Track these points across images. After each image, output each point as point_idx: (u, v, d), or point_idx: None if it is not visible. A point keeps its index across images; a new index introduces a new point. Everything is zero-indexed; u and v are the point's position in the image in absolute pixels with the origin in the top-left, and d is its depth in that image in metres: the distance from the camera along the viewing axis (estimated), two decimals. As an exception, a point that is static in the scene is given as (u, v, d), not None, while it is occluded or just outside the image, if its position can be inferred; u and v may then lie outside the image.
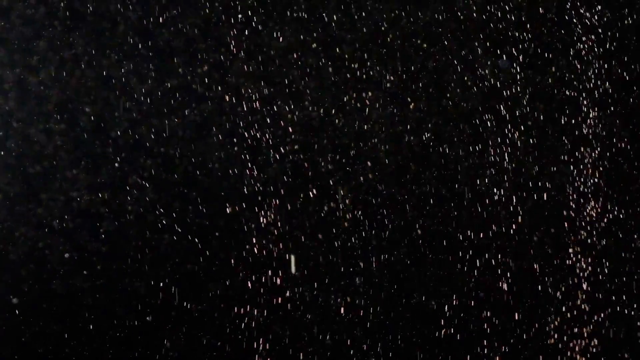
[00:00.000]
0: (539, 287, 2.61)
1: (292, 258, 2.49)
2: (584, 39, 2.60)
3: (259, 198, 2.47)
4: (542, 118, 2.60)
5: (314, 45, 2.49)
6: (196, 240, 2.46)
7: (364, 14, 2.51)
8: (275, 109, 2.47)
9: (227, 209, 2.46)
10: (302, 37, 2.48)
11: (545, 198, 2.61)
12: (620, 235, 2.64)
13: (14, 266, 2.37)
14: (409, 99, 2.54)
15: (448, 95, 2.56)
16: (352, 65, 2.51)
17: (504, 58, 2.57)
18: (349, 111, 2.51)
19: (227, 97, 2.45)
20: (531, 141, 2.59)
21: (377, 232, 2.53)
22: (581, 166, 2.61)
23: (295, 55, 2.48)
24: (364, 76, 2.52)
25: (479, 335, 2.58)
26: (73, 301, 2.40)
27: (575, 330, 2.62)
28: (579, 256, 2.62)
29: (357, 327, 2.54)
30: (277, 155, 2.47)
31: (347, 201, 2.51)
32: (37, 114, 2.37)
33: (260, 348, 2.48)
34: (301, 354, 2.50)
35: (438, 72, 2.55)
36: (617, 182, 2.63)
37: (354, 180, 2.52)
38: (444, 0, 2.55)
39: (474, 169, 2.57)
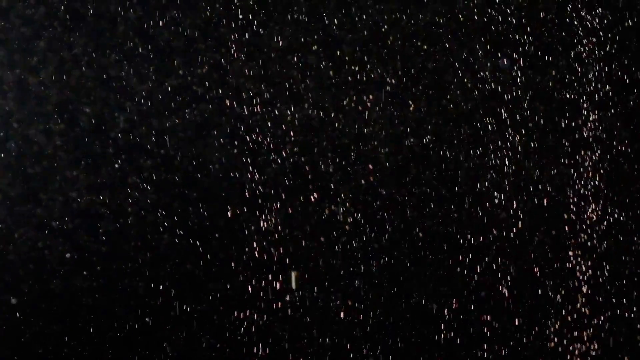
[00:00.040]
0: (539, 290, 2.62)
1: (293, 274, 2.49)
2: (584, 41, 2.61)
3: (260, 201, 2.47)
4: (542, 120, 2.61)
5: (315, 46, 2.50)
6: (197, 243, 2.46)
7: (364, 14, 2.52)
8: (276, 110, 2.47)
9: (228, 212, 2.46)
10: (302, 37, 2.49)
11: (545, 200, 2.61)
12: (621, 238, 2.65)
13: (13, 266, 2.37)
14: (409, 101, 2.55)
15: (448, 97, 2.57)
16: (353, 66, 2.52)
17: (505, 59, 2.58)
18: (349, 112, 2.52)
19: (227, 98, 2.45)
20: (531, 143, 2.60)
21: (378, 235, 2.54)
22: (581, 169, 2.62)
23: (295, 56, 2.49)
24: (364, 77, 2.53)
25: (478, 338, 2.59)
26: (72, 301, 2.40)
27: (575, 333, 2.63)
28: (579, 259, 2.63)
29: (357, 331, 2.54)
30: (277, 158, 2.48)
31: (347, 204, 2.52)
32: (37, 114, 2.37)
33: (260, 352, 2.48)
34: (301, 358, 2.50)
35: (439, 73, 2.56)
36: (618, 185, 2.64)
37: (355, 183, 2.53)
38: (444, 2, 2.56)
39: (474, 171, 2.58)
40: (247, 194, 2.47)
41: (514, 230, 2.60)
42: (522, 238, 2.61)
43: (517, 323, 2.60)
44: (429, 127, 2.56)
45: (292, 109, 2.48)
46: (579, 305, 2.63)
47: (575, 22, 2.60)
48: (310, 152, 2.50)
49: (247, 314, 2.48)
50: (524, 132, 2.60)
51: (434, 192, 2.57)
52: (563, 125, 2.62)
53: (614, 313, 2.65)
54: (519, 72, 2.59)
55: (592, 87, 2.62)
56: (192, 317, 2.47)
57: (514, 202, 2.60)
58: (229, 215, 2.47)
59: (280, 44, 2.48)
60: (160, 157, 2.43)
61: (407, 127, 2.55)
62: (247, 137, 2.46)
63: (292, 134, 2.48)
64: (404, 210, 2.55)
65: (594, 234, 2.63)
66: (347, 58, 2.51)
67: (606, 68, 2.63)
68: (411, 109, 2.54)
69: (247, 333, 2.48)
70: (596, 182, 2.63)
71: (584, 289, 2.63)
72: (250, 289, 2.48)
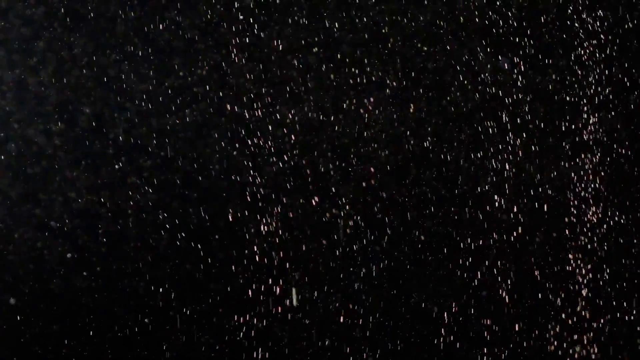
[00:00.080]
0: (539, 293, 2.62)
1: (294, 291, 2.49)
2: (585, 44, 2.62)
3: (260, 204, 2.48)
4: (542, 122, 2.61)
5: (315, 47, 2.50)
6: (198, 245, 2.46)
7: (364, 16, 2.52)
8: (276, 112, 2.48)
9: (229, 215, 2.46)
10: (302, 38, 2.50)
11: (545, 203, 2.62)
12: (621, 241, 2.65)
13: (13, 266, 2.37)
14: (410, 102, 2.55)
15: (448, 98, 2.58)
16: (353, 68, 2.52)
17: (505, 61, 2.59)
18: (350, 113, 2.52)
19: (227, 99, 2.46)
20: (532, 146, 2.61)
21: (378, 237, 2.54)
22: (582, 171, 2.63)
23: (295, 57, 2.49)
24: (365, 79, 2.53)
25: (478, 341, 2.59)
26: (72, 302, 2.40)
27: (576, 336, 2.63)
28: (579, 262, 2.63)
29: (357, 334, 2.54)
30: (278, 160, 2.48)
31: (347, 206, 2.52)
32: (36, 115, 2.38)
33: (260, 356, 2.48)
34: (300, 361, 2.51)
35: (439, 74, 2.57)
36: (618, 188, 2.65)
37: (355, 185, 2.53)
38: (444, 3, 2.57)
39: (475, 173, 2.59)
40: (248, 197, 2.47)
41: (514, 233, 2.61)
42: (522, 240, 2.61)
43: (517, 326, 2.60)
44: (429, 128, 2.57)
45: (292, 110, 2.49)
46: (579, 309, 2.63)
47: (576, 24, 2.61)
48: (310, 154, 2.51)
49: (247, 317, 2.48)
50: (524, 134, 2.60)
51: (434, 196, 2.58)
52: (563, 128, 2.63)
53: (614, 316, 2.65)
54: (519, 74, 2.60)
55: (592, 90, 2.63)
56: (191, 320, 2.47)
57: (514, 204, 2.61)
58: (230, 218, 2.47)
59: (281, 45, 2.49)
60: (160, 158, 2.43)
61: (408, 128, 2.55)
62: (248, 139, 2.47)
63: (292, 135, 2.49)
64: (404, 213, 2.56)
65: (594, 237, 2.64)
66: (347, 60, 2.52)
67: (606, 71, 2.64)
68: (411, 110, 2.55)
69: (246, 336, 2.48)
70: (596, 185, 2.64)
71: (584, 292, 2.63)
72: (250, 292, 2.48)
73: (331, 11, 2.51)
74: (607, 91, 2.64)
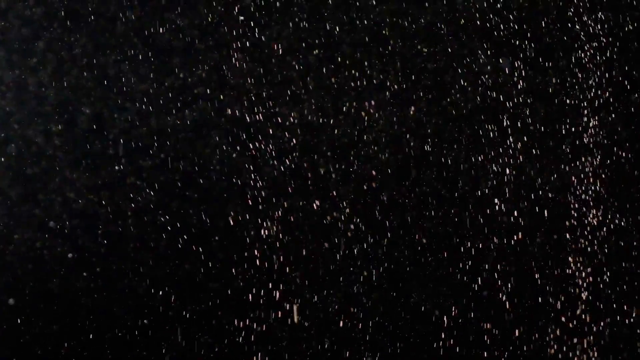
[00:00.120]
0: (539, 296, 2.62)
1: (295, 308, 2.49)
2: (586, 46, 2.63)
3: (260, 207, 2.48)
4: (543, 125, 2.62)
5: (315, 48, 2.51)
6: (200, 249, 2.46)
7: (364, 16, 2.53)
8: (276, 113, 2.48)
9: (230, 218, 2.46)
10: (302, 39, 2.50)
11: (545, 206, 2.62)
12: (622, 244, 2.66)
13: (12, 267, 2.37)
14: (411, 105, 2.56)
15: (449, 100, 2.58)
16: (353, 69, 2.52)
17: (505, 64, 2.59)
18: (350, 115, 2.52)
19: (227, 99, 2.46)
20: (532, 149, 2.61)
21: (379, 241, 2.54)
22: (582, 174, 2.64)
23: (295, 58, 2.50)
24: (365, 80, 2.54)
25: (478, 345, 2.59)
26: (71, 302, 2.40)
27: (575, 340, 2.63)
28: (579, 265, 2.64)
29: (357, 338, 2.54)
30: (278, 163, 2.48)
31: (348, 210, 2.52)
32: (36, 115, 2.37)
33: (259, 360, 2.49)
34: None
35: (440, 76, 2.57)
36: (619, 191, 2.65)
37: (356, 188, 2.53)
38: (445, 5, 2.57)
39: (475, 177, 2.59)
40: (248, 200, 2.47)
41: (514, 236, 2.61)
42: (522, 243, 2.62)
43: (516, 330, 2.61)
44: (430, 129, 2.57)
45: (293, 111, 2.49)
46: (579, 312, 2.64)
47: (577, 27, 2.62)
48: (311, 156, 2.51)
49: (247, 321, 2.48)
50: (524, 136, 2.61)
51: (434, 199, 2.58)
52: (564, 130, 2.63)
53: (614, 320, 2.65)
54: (519, 76, 2.60)
55: (593, 92, 2.64)
56: (191, 322, 2.46)
57: (515, 207, 2.61)
58: (231, 221, 2.47)
59: (281, 46, 2.49)
60: (159, 159, 2.43)
61: (408, 129, 2.56)
62: (247, 140, 2.47)
63: (292, 136, 2.49)
64: (405, 216, 2.56)
65: (594, 240, 2.64)
66: (347, 61, 2.52)
67: (607, 74, 2.64)
68: (412, 112, 2.55)
69: (246, 340, 2.48)
70: (597, 188, 2.64)
71: (585, 296, 2.64)
72: (250, 296, 2.48)
73: (331, 12, 2.51)
74: (608, 94, 2.65)
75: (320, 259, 2.51)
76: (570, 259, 2.64)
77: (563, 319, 2.63)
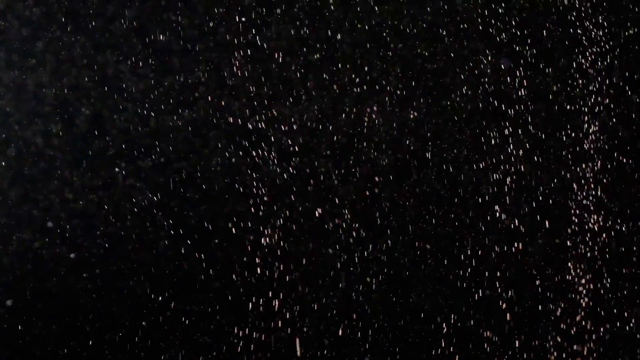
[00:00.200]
0: (539, 303, 2.63)
1: (297, 341, 2.49)
2: (587, 52, 2.65)
3: (261, 214, 2.48)
4: (543, 131, 2.63)
5: (315, 49, 2.51)
6: (202, 255, 2.46)
7: (365, 16, 2.54)
8: (276, 112, 2.48)
9: (230, 224, 2.46)
10: (302, 39, 2.50)
11: (546, 212, 2.64)
12: (622, 250, 2.67)
13: (10, 267, 2.35)
14: (410, 107, 2.57)
15: (449, 104, 2.59)
16: (353, 70, 2.53)
17: (506, 67, 2.61)
18: (350, 116, 2.53)
19: (226, 100, 2.46)
20: (533, 155, 2.63)
21: (380, 249, 2.55)
22: (582, 180, 2.65)
23: (295, 58, 2.50)
24: (365, 80, 2.54)
25: (478, 353, 2.60)
26: (70, 303, 2.39)
27: (575, 347, 2.64)
28: (580, 271, 2.65)
29: (357, 347, 2.54)
30: (279, 165, 2.49)
31: (348, 216, 2.53)
32: (35, 115, 2.36)
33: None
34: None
35: (440, 78, 2.59)
36: (619, 196, 2.67)
37: (357, 193, 2.54)
38: (445, 6, 2.59)
39: (476, 184, 2.60)
40: (249, 201, 2.47)
41: (515, 242, 2.62)
42: (522, 249, 2.63)
43: (516, 336, 2.61)
44: (430, 133, 2.58)
45: (293, 113, 2.49)
46: (579, 318, 2.65)
47: (579, 31, 2.64)
48: (311, 160, 2.51)
49: (247, 331, 2.47)
50: (524, 142, 2.62)
51: (436, 206, 2.59)
52: (564, 136, 2.65)
53: (614, 326, 2.67)
54: (520, 81, 2.62)
55: (593, 98, 2.66)
56: (190, 331, 2.45)
57: (515, 213, 2.62)
58: (233, 229, 2.47)
59: (281, 46, 2.49)
60: (159, 160, 2.43)
61: (409, 132, 2.56)
62: (247, 140, 2.47)
63: (293, 139, 2.49)
64: (406, 223, 2.57)
65: (595, 246, 2.66)
66: (347, 64, 2.53)
67: (607, 80, 2.66)
68: (412, 116, 2.56)
69: (245, 349, 2.47)
70: (597, 193, 2.66)
71: (585, 302, 2.65)
72: (250, 305, 2.48)
73: (331, 12, 2.52)
74: (608, 99, 2.67)
75: (321, 265, 2.52)
76: (570, 264, 2.65)
77: (563, 326, 2.64)
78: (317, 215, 2.51)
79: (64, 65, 2.38)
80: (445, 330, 2.58)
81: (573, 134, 2.65)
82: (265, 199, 2.48)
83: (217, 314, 2.47)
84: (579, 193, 2.65)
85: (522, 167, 2.62)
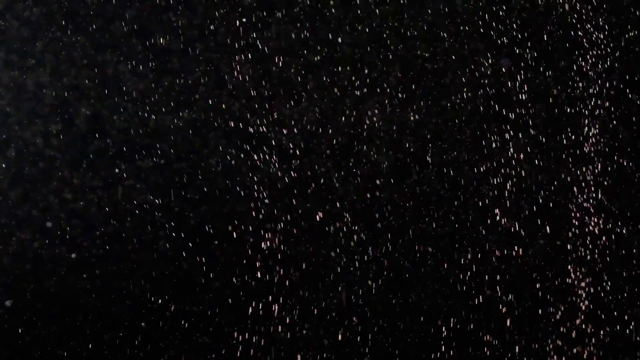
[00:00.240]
0: (539, 306, 2.64)
1: (299, 357, 2.50)
2: (587, 55, 2.66)
3: (262, 217, 2.48)
4: (544, 134, 2.64)
5: (315, 48, 2.52)
6: (202, 257, 2.46)
7: (365, 17, 2.54)
8: (275, 113, 2.49)
9: (230, 227, 2.46)
10: (302, 39, 2.51)
11: (546, 215, 2.64)
12: (622, 252, 2.68)
13: (10, 268, 2.35)
14: (412, 105, 2.57)
15: (449, 109, 2.60)
16: (353, 68, 2.54)
17: (506, 61, 2.62)
18: (350, 116, 2.54)
19: (226, 100, 2.46)
20: (533, 158, 2.64)
21: (380, 253, 2.55)
22: (583, 183, 2.66)
23: (295, 58, 2.51)
24: (365, 83, 2.55)
25: (478, 356, 2.60)
26: (70, 303, 2.39)
27: (575, 350, 2.65)
28: (579, 274, 2.65)
29: (357, 352, 2.54)
30: (279, 166, 2.49)
31: (350, 220, 2.53)
32: (34, 115, 2.36)
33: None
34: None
35: (440, 78, 2.59)
36: (619, 199, 2.68)
37: (358, 196, 2.54)
38: (446, 7, 2.59)
39: (476, 188, 2.61)
40: (250, 206, 2.48)
41: (515, 248, 2.62)
42: (522, 254, 2.63)
43: (517, 340, 2.62)
44: (430, 136, 2.58)
45: (293, 114, 2.50)
46: (579, 322, 2.65)
47: (580, 34, 2.65)
48: (312, 162, 2.51)
49: (246, 336, 2.47)
50: (525, 145, 2.63)
51: (437, 209, 2.59)
52: (565, 139, 2.66)
53: (614, 329, 2.67)
54: (521, 83, 2.63)
55: (594, 101, 2.67)
56: (190, 336, 2.46)
57: (515, 216, 2.63)
58: (232, 232, 2.47)
59: (281, 47, 2.50)
60: (158, 160, 2.43)
61: (409, 133, 2.57)
62: (247, 141, 2.48)
63: (293, 140, 2.50)
64: (407, 227, 2.57)
65: (595, 249, 2.66)
66: (348, 66, 2.54)
67: (607, 83, 2.67)
68: (412, 118, 2.57)
69: (245, 354, 2.47)
70: (598, 196, 2.66)
71: (585, 305, 2.65)
72: (250, 312, 2.48)
73: (331, 12, 2.53)
74: (609, 102, 2.68)
75: (321, 266, 2.52)
76: (570, 267, 2.65)
77: (563, 329, 2.65)
78: (317, 217, 2.51)
79: (64, 65, 2.39)
80: (445, 333, 2.58)
81: (573, 137, 2.66)
82: (266, 200, 2.48)
83: (217, 316, 2.47)
84: (579, 195, 2.66)
85: (522, 169, 2.63)
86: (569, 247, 2.65)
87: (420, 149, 2.58)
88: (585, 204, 2.66)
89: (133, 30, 2.43)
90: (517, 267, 2.63)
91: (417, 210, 2.58)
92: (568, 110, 2.66)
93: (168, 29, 2.45)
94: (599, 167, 2.67)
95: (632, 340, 2.68)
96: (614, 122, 2.68)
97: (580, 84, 2.66)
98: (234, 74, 2.47)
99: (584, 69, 2.66)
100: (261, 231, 2.48)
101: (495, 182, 2.61)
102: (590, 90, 2.67)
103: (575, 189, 2.66)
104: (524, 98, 2.63)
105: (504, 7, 2.62)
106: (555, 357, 2.64)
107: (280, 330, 2.48)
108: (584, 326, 2.66)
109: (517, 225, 2.63)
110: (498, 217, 2.61)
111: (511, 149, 2.62)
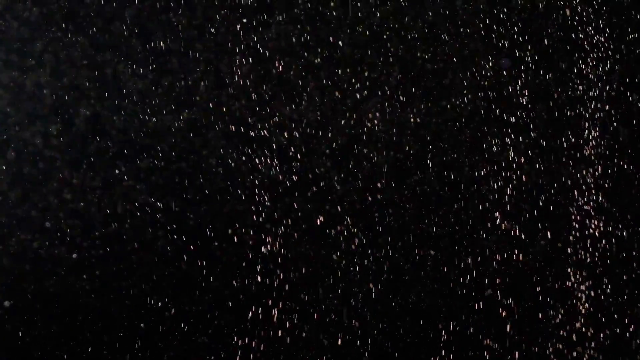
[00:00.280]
0: (539, 310, 2.64)
1: None
2: (588, 58, 2.67)
3: (261, 221, 2.49)
4: (544, 136, 2.65)
5: (315, 49, 2.53)
6: (203, 261, 2.47)
7: (365, 17, 2.55)
8: (275, 113, 2.49)
9: (229, 231, 2.47)
10: (302, 39, 2.52)
11: (546, 218, 2.65)
12: (623, 256, 2.68)
13: (9, 268, 2.35)
14: (412, 106, 2.58)
15: (448, 115, 2.61)
16: (353, 69, 2.55)
17: (506, 62, 2.63)
18: (350, 116, 2.54)
19: (226, 100, 2.47)
20: (533, 162, 2.64)
21: (380, 258, 2.56)
22: (584, 186, 2.67)
23: (295, 57, 2.52)
24: (365, 85, 2.56)
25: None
26: (69, 303, 2.39)
27: (575, 354, 2.65)
28: (580, 277, 2.66)
29: (357, 357, 2.54)
30: (279, 167, 2.50)
31: (352, 227, 2.54)
32: (34, 116, 2.37)
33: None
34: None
35: (440, 78, 2.60)
36: (619, 202, 2.69)
37: (358, 198, 2.55)
38: (446, 8, 2.60)
39: (474, 189, 2.61)
40: (250, 207, 2.48)
41: (515, 251, 2.63)
42: (522, 255, 2.64)
43: (516, 343, 2.62)
44: (429, 137, 2.59)
45: (292, 114, 2.51)
46: (579, 325, 2.66)
47: (581, 36, 2.66)
48: (312, 163, 2.52)
49: (246, 340, 2.48)
50: (525, 151, 2.64)
51: (436, 215, 2.60)
52: (565, 142, 2.67)
53: (614, 332, 2.68)
54: (521, 86, 2.64)
55: (593, 106, 2.68)
56: (190, 334, 2.46)
57: (515, 219, 2.63)
58: (232, 234, 2.48)
59: (281, 47, 2.51)
60: (158, 160, 2.44)
61: (409, 134, 2.58)
62: (247, 141, 2.48)
63: (292, 141, 2.50)
64: (407, 231, 2.58)
65: (595, 252, 2.67)
66: (348, 66, 2.54)
67: (607, 87, 2.68)
68: (412, 119, 2.58)
69: (245, 358, 2.48)
70: (598, 199, 2.67)
71: (585, 308, 2.66)
72: (250, 316, 2.48)
73: (332, 12, 2.53)
74: (609, 105, 2.68)
75: (321, 267, 2.52)
76: (570, 270, 2.66)
77: (563, 332, 2.65)
78: (317, 218, 2.52)
79: (64, 65, 2.39)
80: (445, 337, 2.59)
81: (574, 139, 2.67)
82: (266, 201, 2.48)
83: (217, 316, 2.47)
84: (580, 198, 2.67)
85: (522, 171, 2.63)
86: (569, 250, 2.66)
87: (420, 150, 2.59)
88: (585, 207, 2.67)
89: (133, 31, 2.43)
90: (517, 270, 2.63)
91: (417, 211, 2.59)
92: (568, 112, 2.67)
93: (168, 29, 2.45)
94: (599, 169, 2.68)
95: (632, 344, 2.69)
96: (615, 124, 2.69)
97: (581, 86, 2.67)
98: (234, 75, 2.48)
99: (585, 71, 2.67)
100: (261, 232, 2.49)
101: (495, 184, 2.62)
102: (591, 93, 2.68)
103: (575, 191, 2.67)
104: (524, 100, 2.64)
105: (504, 9, 2.63)
106: (555, 360, 2.65)
107: (280, 334, 2.49)
108: (584, 329, 2.66)
109: (517, 228, 2.63)
110: (498, 220, 2.62)
111: (511, 151, 2.63)
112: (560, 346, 2.65)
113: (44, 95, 2.38)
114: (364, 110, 2.55)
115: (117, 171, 2.42)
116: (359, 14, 2.56)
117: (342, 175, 2.54)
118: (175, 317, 2.46)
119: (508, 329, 2.62)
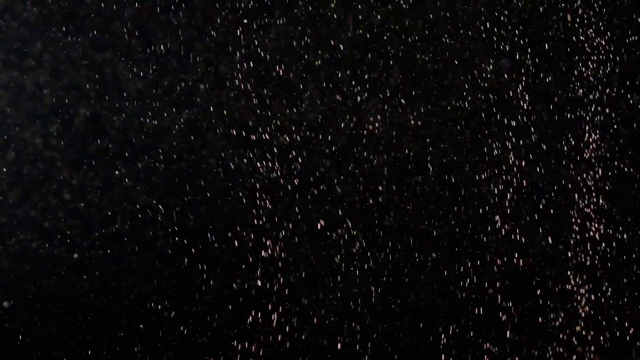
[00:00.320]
0: (539, 312, 2.65)
1: None
2: (588, 61, 2.68)
3: (261, 225, 2.49)
4: (544, 139, 2.66)
5: (315, 49, 2.53)
6: (203, 262, 2.47)
7: (365, 17, 2.56)
8: (275, 113, 2.50)
9: (229, 233, 2.47)
10: (302, 40, 2.52)
11: (546, 221, 2.66)
12: (623, 259, 2.69)
13: (8, 268, 2.35)
14: (412, 107, 2.59)
15: (449, 113, 2.61)
16: (354, 70, 2.55)
17: (506, 62, 2.63)
18: (350, 116, 2.55)
19: (225, 100, 2.47)
20: (534, 165, 2.65)
21: (380, 262, 2.56)
22: (584, 189, 2.67)
23: (295, 57, 2.52)
24: (365, 86, 2.57)
25: (477, 361, 2.62)
26: (69, 304, 2.39)
27: (575, 357, 2.65)
28: (580, 281, 2.66)
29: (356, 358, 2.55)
30: (279, 168, 2.50)
31: (351, 226, 2.54)
32: (33, 116, 2.37)
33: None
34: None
35: (440, 79, 2.61)
36: (620, 205, 2.69)
37: (359, 201, 2.55)
38: (447, 9, 2.61)
39: (475, 192, 2.62)
40: (250, 207, 2.49)
41: (515, 254, 2.64)
42: (522, 260, 2.64)
43: (516, 347, 2.62)
44: (429, 138, 2.60)
45: (292, 115, 2.51)
46: (579, 328, 2.66)
47: (582, 38, 2.67)
48: (312, 163, 2.52)
49: (246, 345, 2.48)
50: (526, 151, 2.65)
51: (437, 216, 2.60)
52: (565, 144, 2.67)
53: (614, 335, 2.68)
54: (522, 89, 2.65)
55: (594, 108, 2.69)
56: (190, 340, 2.46)
57: (515, 222, 2.64)
58: (233, 233, 2.48)
59: (281, 47, 2.52)
60: (158, 162, 2.44)
61: (410, 134, 2.58)
62: (246, 141, 2.49)
63: (292, 141, 2.51)
64: (408, 233, 2.58)
65: (595, 255, 2.68)
66: (348, 67, 2.55)
67: (607, 90, 2.69)
68: (412, 118, 2.58)
69: (245, 354, 2.48)
70: (599, 201, 2.68)
71: (585, 311, 2.66)
72: (250, 320, 2.48)
73: (332, 12, 2.54)
74: (609, 108, 2.69)
75: (322, 267, 2.53)
76: (570, 273, 2.66)
77: (563, 336, 2.65)
78: (317, 219, 2.52)
79: (63, 65, 2.40)
80: (444, 340, 2.59)
81: (574, 141, 2.68)
82: (266, 202, 2.49)
83: (217, 317, 2.48)
84: (580, 200, 2.67)
85: (522, 173, 2.64)
86: (569, 253, 2.67)
87: (421, 151, 2.60)
88: (585, 209, 2.68)
89: (133, 31, 2.44)
90: (517, 272, 2.64)
91: (418, 213, 2.59)
92: (569, 114, 2.67)
93: (168, 29, 2.46)
94: (600, 171, 2.68)
95: (632, 347, 2.69)
96: (615, 127, 2.70)
97: (581, 89, 2.68)
98: (234, 75, 2.49)
99: (585, 74, 2.68)
100: (261, 234, 2.49)
101: (495, 186, 2.63)
102: (591, 95, 2.69)
103: (575, 194, 2.67)
104: (524, 102, 2.65)
105: (505, 11, 2.64)
106: (555, 363, 2.65)
107: (280, 337, 2.49)
108: (584, 332, 2.66)
109: (517, 230, 2.64)
110: (498, 222, 2.63)
111: (512, 153, 2.63)
112: (560, 349, 2.65)
113: (44, 96, 2.39)
114: (364, 112, 2.56)
115: (117, 172, 2.42)
116: (360, 16, 2.56)
117: (342, 176, 2.55)
118: (175, 319, 2.46)
119: (508, 332, 2.63)
